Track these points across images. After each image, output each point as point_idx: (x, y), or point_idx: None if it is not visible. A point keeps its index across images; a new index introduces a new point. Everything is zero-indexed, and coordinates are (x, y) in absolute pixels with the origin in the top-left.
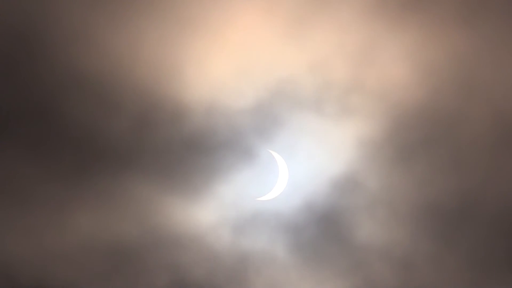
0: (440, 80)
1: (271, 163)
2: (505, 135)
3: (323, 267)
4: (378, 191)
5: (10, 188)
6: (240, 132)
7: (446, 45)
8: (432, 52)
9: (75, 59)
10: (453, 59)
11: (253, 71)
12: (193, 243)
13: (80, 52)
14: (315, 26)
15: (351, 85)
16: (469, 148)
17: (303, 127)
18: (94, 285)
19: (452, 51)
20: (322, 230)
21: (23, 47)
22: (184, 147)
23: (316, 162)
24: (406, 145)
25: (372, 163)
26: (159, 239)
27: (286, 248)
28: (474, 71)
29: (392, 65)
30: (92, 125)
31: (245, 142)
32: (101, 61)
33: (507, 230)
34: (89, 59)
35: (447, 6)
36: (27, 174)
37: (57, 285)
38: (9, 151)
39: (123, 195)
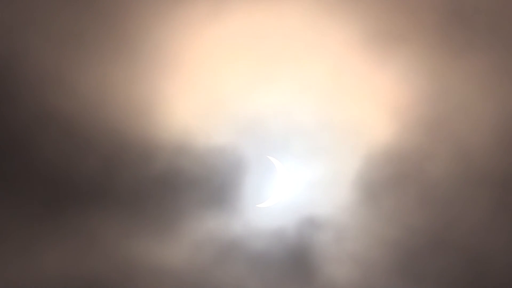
0: (407, 119)
1: (240, 201)
2: (470, 173)
3: None
4: (346, 229)
5: None
6: (208, 171)
7: (413, 85)
8: (399, 91)
9: (45, 99)
10: (420, 98)
11: (221, 111)
12: (163, 281)
13: (50, 92)
14: (282, 67)
15: (319, 125)
16: (436, 185)
17: (271, 166)
18: None
19: (419, 91)
20: (291, 266)
21: None
22: (153, 186)
23: (285, 200)
24: (374, 183)
25: (340, 201)
26: (128, 276)
27: (257, 284)
28: (440, 110)
29: (360, 105)
30: (62, 164)
31: (213, 181)
32: (71, 101)
33: (474, 266)
34: (59, 99)
35: (414, 49)
36: None
37: None
38: None
39: (93, 233)
